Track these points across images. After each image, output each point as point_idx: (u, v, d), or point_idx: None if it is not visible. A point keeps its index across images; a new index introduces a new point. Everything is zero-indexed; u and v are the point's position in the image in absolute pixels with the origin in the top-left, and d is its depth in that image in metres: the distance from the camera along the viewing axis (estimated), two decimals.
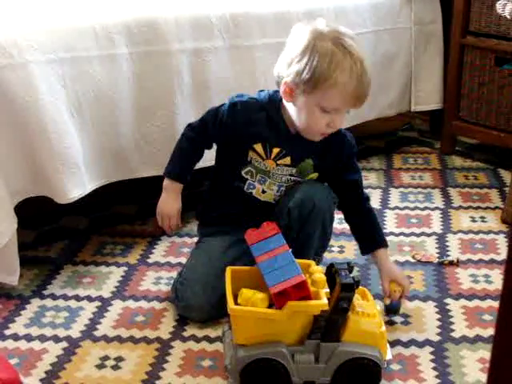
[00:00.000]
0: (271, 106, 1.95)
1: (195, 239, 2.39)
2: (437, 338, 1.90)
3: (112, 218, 2.58)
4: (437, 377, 1.75)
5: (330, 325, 1.63)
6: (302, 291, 1.59)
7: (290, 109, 1.91)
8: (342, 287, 1.60)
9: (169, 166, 2.05)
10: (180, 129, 2.33)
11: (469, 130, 3.19)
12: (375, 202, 2.72)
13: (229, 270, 1.75)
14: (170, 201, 2.05)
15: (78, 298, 2.07)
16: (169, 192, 2.05)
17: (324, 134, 1.92)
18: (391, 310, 1.96)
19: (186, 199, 2.71)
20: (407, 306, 2.03)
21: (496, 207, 2.71)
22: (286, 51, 1.89)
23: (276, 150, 1.94)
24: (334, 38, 1.81)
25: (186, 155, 2.05)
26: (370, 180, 2.97)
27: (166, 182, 2.04)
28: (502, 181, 2.97)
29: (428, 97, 3.29)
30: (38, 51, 1.98)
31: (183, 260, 2.27)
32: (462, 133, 3.26)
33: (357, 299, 1.69)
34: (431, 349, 1.86)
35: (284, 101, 1.91)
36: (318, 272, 1.69)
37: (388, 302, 1.95)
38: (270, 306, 1.64)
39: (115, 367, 1.77)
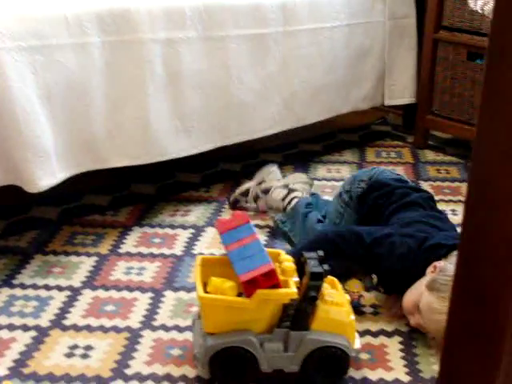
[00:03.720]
0: None
1: (167, 230, 2.40)
2: (406, 328, 1.91)
3: (83, 209, 2.57)
4: (405, 366, 1.76)
5: (298, 313, 1.63)
6: (271, 280, 1.59)
7: None
8: (311, 276, 1.60)
9: None
10: (153, 119, 2.34)
11: (441, 124, 3.21)
12: None
13: (199, 258, 1.74)
14: None
15: (47, 288, 2.06)
16: None
17: None
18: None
19: (159, 190, 2.73)
20: (378, 296, 2.04)
21: None
22: None
23: None
24: None
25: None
26: (343, 173, 2.97)
27: None
28: None
29: (401, 91, 3.31)
30: (8, 38, 1.96)
31: (154, 250, 2.27)
32: (435, 127, 3.28)
33: (326, 288, 1.69)
34: (400, 338, 1.87)
35: None
36: (288, 261, 1.69)
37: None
38: (239, 295, 1.64)
39: (84, 356, 1.76)
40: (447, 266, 1.80)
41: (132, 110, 2.30)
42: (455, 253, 1.86)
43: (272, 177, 2.59)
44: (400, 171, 2.99)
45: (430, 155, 3.22)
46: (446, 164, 3.12)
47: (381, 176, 2.18)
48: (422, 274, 1.87)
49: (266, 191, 2.43)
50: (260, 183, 2.56)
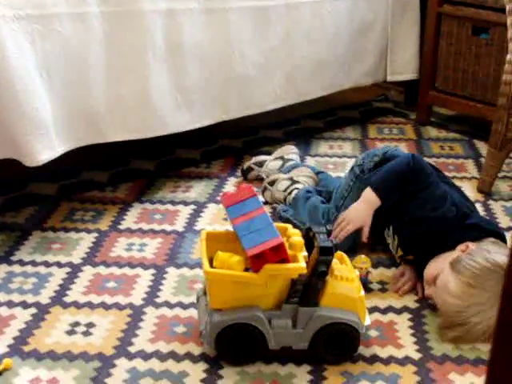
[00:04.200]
0: None
1: (168, 206, 2.35)
2: (415, 305, 1.87)
3: (82, 185, 2.51)
4: (415, 343, 1.72)
5: (308, 289, 1.58)
6: (279, 254, 1.54)
7: None
8: (321, 250, 1.55)
9: (381, 183, 1.99)
10: (153, 92, 2.28)
11: (445, 100, 3.15)
12: None
13: (204, 232, 1.69)
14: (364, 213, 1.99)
15: (47, 264, 2.01)
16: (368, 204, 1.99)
17: None
18: None
19: (159, 166, 2.68)
20: (385, 273, 2.00)
21: (472, 177, 2.68)
22: None
23: None
24: None
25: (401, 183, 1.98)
26: (345, 149, 2.93)
27: (371, 195, 1.98)
28: (477, 151, 2.95)
29: (404, 66, 3.25)
30: (5, 6, 1.90)
31: (155, 227, 2.22)
32: (438, 103, 3.22)
33: (335, 263, 1.64)
34: (409, 315, 1.83)
35: None
36: (296, 235, 1.64)
37: None
38: (246, 270, 1.59)
39: (86, 333, 1.72)
40: (478, 250, 1.75)
41: (132, 83, 2.24)
42: (491, 239, 1.82)
43: (292, 156, 2.56)
44: (403, 148, 2.95)
45: (432, 132, 3.17)
46: (450, 141, 3.07)
47: (395, 152, 2.14)
48: (448, 247, 1.82)
49: (272, 183, 2.39)
50: (279, 158, 2.54)
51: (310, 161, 2.75)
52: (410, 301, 1.89)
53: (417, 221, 1.90)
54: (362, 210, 1.97)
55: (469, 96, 3.05)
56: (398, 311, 1.84)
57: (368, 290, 1.89)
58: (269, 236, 1.56)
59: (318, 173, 2.43)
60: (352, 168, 2.17)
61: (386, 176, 1.99)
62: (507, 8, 2.40)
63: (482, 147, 2.96)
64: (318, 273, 1.56)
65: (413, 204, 1.92)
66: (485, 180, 2.55)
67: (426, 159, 2.71)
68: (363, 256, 1.92)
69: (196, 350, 1.66)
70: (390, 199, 1.96)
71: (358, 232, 1.98)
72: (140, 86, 2.26)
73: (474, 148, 2.98)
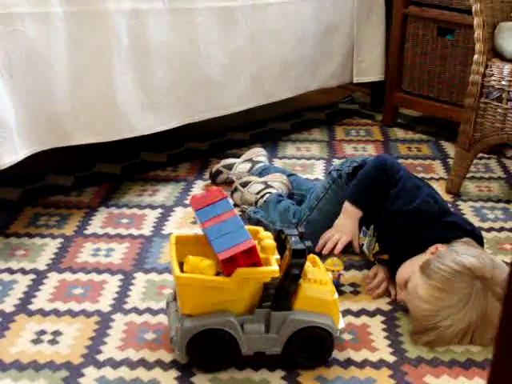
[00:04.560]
0: None
1: (134, 210, 2.31)
2: (388, 307, 1.85)
3: (46, 189, 2.45)
4: (389, 346, 1.70)
5: (280, 293, 1.55)
6: (251, 257, 1.51)
7: None
8: (294, 253, 1.52)
9: (356, 193, 1.99)
10: (118, 94, 2.24)
11: (411, 101, 3.15)
12: (319, 173, 2.66)
13: (173, 236, 1.65)
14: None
15: (10, 271, 1.95)
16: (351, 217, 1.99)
17: None
18: None
19: (124, 170, 2.63)
20: (357, 275, 1.98)
21: (440, 178, 2.67)
22: None
23: None
24: None
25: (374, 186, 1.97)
26: (313, 151, 2.90)
27: (350, 208, 1.99)
28: (444, 152, 2.94)
29: (370, 68, 3.24)
30: None
31: (122, 231, 2.18)
32: (405, 104, 3.22)
33: (307, 266, 1.61)
34: (382, 318, 1.81)
35: None
36: (268, 238, 1.61)
37: None
38: (217, 274, 1.55)
39: (52, 342, 1.66)
40: (447, 253, 1.72)
41: (97, 85, 2.19)
42: (464, 239, 1.80)
43: (261, 158, 2.53)
44: (370, 149, 2.94)
45: (399, 133, 3.16)
46: (417, 142, 3.06)
47: None
48: (423, 246, 1.80)
49: (245, 185, 2.35)
50: (248, 160, 2.50)
51: (277, 163, 2.72)
52: (383, 303, 1.86)
53: (392, 215, 1.88)
54: (348, 224, 1.98)
55: (435, 97, 3.05)
56: (371, 314, 1.82)
57: (340, 292, 1.86)
58: (240, 239, 1.52)
59: (288, 175, 2.41)
60: (330, 172, 2.15)
61: (358, 185, 1.99)
62: (473, 9, 2.40)
63: (449, 148, 2.96)
64: (291, 276, 1.53)
65: (386, 202, 1.90)
66: (453, 180, 2.54)
67: None
68: (335, 258, 1.89)
69: (167, 357, 1.62)
70: (369, 205, 1.96)
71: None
72: (105, 87, 2.21)
73: (440, 149, 2.98)
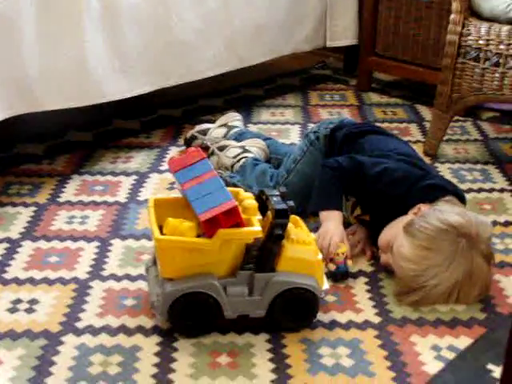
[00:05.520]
0: None
1: (108, 177, 2.27)
2: (370, 269, 1.83)
3: (16, 158, 2.39)
4: (374, 307, 1.68)
5: (263, 254, 1.51)
6: (233, 218, 1.47)
7: None
8: (276, 213, 1.48)
9: (323, 199, 1.87)
10: (90, 57, 2.18)
11: (385, 65, 3.11)
12: (294, 138, 2.63)
13: (151, 199, 1.61)
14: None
15: None
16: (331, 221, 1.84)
17: None
18: (339, 274, 1.76)
19: (97, 138, 2.57)
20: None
21: (417, 141, 2.65)
22: None
23: None
24: None
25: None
26: (288, 116, 2.86)
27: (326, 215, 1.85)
28: (420, 116, 2.92)
29: (343, 32, 3.19)
30: None
31: (97, 198, 2.13)
32: (379, 68, 3.18)
33: (290, 227, 1.57)
34: (365, 279, 1.78)
35: None
36: (249, 198, 1.57)
37: (333, 267, 1.76)
38: (198, 237, 1.51)
39: (29, 310, 1.62)
40: (430, 212, 1.70)
41: (67, 48, 2.14)
42: (446, 198, 1.77)
43: (236, 123, 2.48)
44: (345, 113, 2.90)
45: (374, 97, 3.13)
46: (392, 106, 3.03)
47: (352, 120, 2.14)
48: (405, 209, 1.77)
49: (222, 148, 2.30)
50: (223, 125, 2.45)
51: (252, 128, 2.67)
52: (366, 264, 1.84)
53: (372, 193, 1.86)
54: (332, 227, 1.81)
55: (410, 60, 3.01)
56: (354, 275, 1.79)
57: (346, 276, 1.77)
58: (221, 199, 1.48)
59: (265, 139, 2.36)
60: (307, 134, 2.12)
61: (323, 192, 1.88)
62: None
63: (425, 111, 2.94)
64: (274, 236, 1.49)
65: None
66: (431, 143, 2.52)
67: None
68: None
69: (148, 323, 1.58)
70: (341, 203, 1.88)
71: (307, 196, 1.91)
72: (75, 51, 2.16)
73: (416, 112, 2.95)
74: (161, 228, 1.52)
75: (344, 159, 1.88)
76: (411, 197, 1.78)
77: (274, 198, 1.53)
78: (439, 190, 1.79)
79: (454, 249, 1.62)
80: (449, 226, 1.64)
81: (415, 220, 1.69)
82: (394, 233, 1.72)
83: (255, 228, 1.49)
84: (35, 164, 2.35)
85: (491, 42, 2.28)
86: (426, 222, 1.66)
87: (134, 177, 2.28)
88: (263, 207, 1.56)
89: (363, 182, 1.84)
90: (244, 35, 2.76)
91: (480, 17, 2.36)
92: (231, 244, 1.49)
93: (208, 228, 1.47)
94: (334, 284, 1.74)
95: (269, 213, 1.53)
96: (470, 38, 2.33)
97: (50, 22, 2.07)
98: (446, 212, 1.68)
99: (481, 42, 2.31)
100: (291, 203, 1.53)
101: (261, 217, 1.55)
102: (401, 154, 1.92)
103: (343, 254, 1.76)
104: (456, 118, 2.71)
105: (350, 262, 1.78)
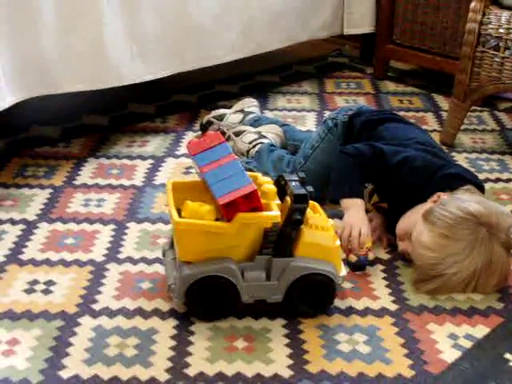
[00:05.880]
0: None
1: (124, 161, 2.26)
2: (387, 256, 1.82)
3: (33, 140, 2.38)
4: (391, 294, 1.67)
5: (282, 239, 1.51)
6: (252, 202, 1.46)
7: None
8: (295, 198, 1.47)
9: (342, 187, 1.83)
10: (108, 40, 2.17)
11: (402, 53, 3.09)
12: (310, 125, 2.61)
13: (170, 182, 1.60)
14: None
15: None
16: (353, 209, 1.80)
17: None
18: (358, 266, 1.74)
19: (112, 121, 2.56)
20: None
21: (434, 130, 2.63)
22: None
23: None
24: None
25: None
26: (304, 103, 2.85)
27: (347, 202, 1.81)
28: (436, 105, 2.90)
29: (361, 19, 3.17)
30: None
31: (113, 181, 2.13)
32: (396, 57, 3.16)
33: (308, 213, 1.57)
34: (382, 267, 1.77)
35: None
36: (268, 183, 1.57)
37: (354, 258, 1.74)
38: (217, 220, 1.51)
39: (46, 291, 1.62)
40: (450, 200, 1.68)
41: (85, 31, 2.13)
42: (465, 187, 1.75)
43: (252, 109, 2.47)
44: (362, 101, 2.89)
45: (390, 86, 3.11)
46: (408, 94, 3.01)
47: (371, 108, 2.13)
48: (425, 198, 1.76)
49: (238, 134, 2.29)
50: (240, 111, 2.44)
51: (268, 115, 2.66)
52: (383, 253, 1.83)
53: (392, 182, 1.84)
54: (359, 217, 1.77)
55: (427, 49, 2.99)
56: (371, 263, 1.78)
57: (362, 268, 1.75)
58: (241, 183, 1.48)
59: (282, 125, 2.35)
60: (325, 121, 2.10)
61: (343, 180, 1.84)
62: None
63: (441, 101, 2.92)
64: (293, 221, 1.49)
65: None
66: (448, 132, 2.50)
67: None
68: None
69: (164, 307, 1.58)
70: (362, 191, 1.85)
71: (324, 183, 1.89)
72: (94, 34, 2.15)
73: (433, 101, 2.93)
74: (179, 211, 1.52)
75: (364, 146, 1.86)
76: (431, 186, 1.76)
77: (293, 183, 1.52)
78: (459, 180, 1.78)
79: (474, 237, 1.61)
80: (469, 215, 1.62)
81: (435, 208, 1.68)
82: (412, 220, 1.71)
83: (274, 212, 1.48)
84: (51, 147, 2.35)
85: (511, 30, 2.26)
86: (445, 210, 1.65)
87: (150, 161, 2.27)
88: (282, 192, 1.56)
89: (383, 171, 1.82)
90: (261, 21, 2.74)
91: (501, 5, 2.34)
92: (250, 228, 1.48)
93: (227, 212, 1.46)
94: (351, 272, 1.73)
95: (287, 198, 1.52)
96: (490, 26, 2.31)
97: (68, 4, 2.06)
98: (465, 201, 1.67)
99: (501, 30, 2.29)
100: (310, 188, 1.52)
101: (279, 202, 1.54)
102: (420, 142, 1.91)
103: (367, 247, 1.74)
104: (473, 107, 2.69)
105: (371, 255, 1.77)
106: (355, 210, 1.79)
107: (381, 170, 1.82)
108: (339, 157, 1.87)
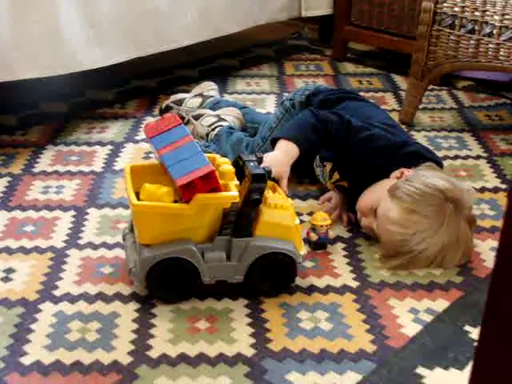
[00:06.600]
0: None
1: (83, 147, 2.25)
2: (347, 234, 1.83)
3: None
4: (352, 272, 1.68)
5: (241, 219, 1.51)
6: (210, 182, 1.46)
7: None
8: (253, 178, 1.47)
9: (292, 132, 1.77)
10: (64, 26, 2.15)
11: (361, 34, 3.10)
12: (270, 107, 2.62)
13: (128, 166, 1.59)
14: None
15: None
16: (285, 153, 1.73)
17: None
18: (319, 245, 1.76)
19: (71, 108, 2.55)
20: (314, 204, 1.94)
21: (393, 109, 2.64)
22: None
23: None
24: None
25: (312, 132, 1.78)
26: (263, 86, 2.85)
27: (285, 144, 1.74)
28: (396, 85, 2.91)
29: (318, 1, 3.18)
30: None
31: (72, 168, 2.11)
32: (354, 38, 3.17)
33: (267, 192, 1.57)
34: (343, 245, 1.78)
35: None
36: (226, 163, 1.57)
37: (315, 237, 1.75)
38: (175, 202, 1.50)
39: (5, 279, 1.60)
40: (415, 176, 1.69)
41: (40, 16, 2.10)
42: (427, 163, 1.76)
43: (211, 92, 2.47)
44: (321, 82, 2.89)
45: (349, 67, 3.12)
46: (367, 75, 3.03)
47: (328, 87, 2.11)
48: (387, 175, 1.76)
49: (197, 117, 2.28)
50: (198, 95, 2.43)
51: (227, 98, 2.66)
52: (343, 230, 1.84)
53: (352, 159, 1.83)
54: (280, 158, 1.71)
55: (385, 30, 3.01)
56: (332, 241, 1.79)
57: (323, 246, 1.76)
58: (198, 164, 1.47)
59: (241, 108, 2.35)
60: (282, 102, 2.10)
61: (295, 126, 1.81)
62: None
63: (400, 81, 2.94)
64: (252, 201, 1.49)
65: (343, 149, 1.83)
66: (407, 111, 2.52)
67: None
68: (322, 212, 1.79)
69: (125, 290, 1.58)
70: (304, 148, 1.76)
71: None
72: (49, 20, 2.13)
73: (391, 82, 2.95)
74: (137, 194, 1.51)
75: (332, 115, 1.80)
76: (393, 164, 1.77)
77: (251, 164, 1.52)
78: (419, 157, 1.79)
79: (442, 214, 1.62)
80: (436, 191, 1.63)
81: (400, 183, 1.68)
82: (376, 196, 1.72)
83: (232, 193, 1.48)
84: (8, 135, 2.32)
85: (466, 8, 2.28)
86: (412, 186, 1.65)
87: (110, 147, 2.26)
88: (240, 173, 1.56)
89: (346, 145, 1.79)
90: (218, 4, 2.73)
91: None
92: (208, 209, 1.48)
93: (185, 193, 1.46)
94: (310, 251, 1.74)
95: (246, 178, 1.52)
96: (445, 4, 2.33)
97: None
98: (430, 176, 1.68)
99: (456, 8, 2.31)
100: (268, 168, 1.52)
101: (238, 182, 1.54)
102: (380, 121, 1.91)
103: (327, 226, 1.74)
104: (431, 87, 2.71)
105: (331, 234, 1.77)
106: (284, 153, 1.72)
107: (344, 143, 1.79)
108: (305, 112, 1.83)
